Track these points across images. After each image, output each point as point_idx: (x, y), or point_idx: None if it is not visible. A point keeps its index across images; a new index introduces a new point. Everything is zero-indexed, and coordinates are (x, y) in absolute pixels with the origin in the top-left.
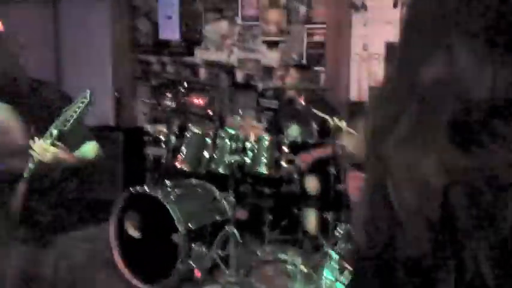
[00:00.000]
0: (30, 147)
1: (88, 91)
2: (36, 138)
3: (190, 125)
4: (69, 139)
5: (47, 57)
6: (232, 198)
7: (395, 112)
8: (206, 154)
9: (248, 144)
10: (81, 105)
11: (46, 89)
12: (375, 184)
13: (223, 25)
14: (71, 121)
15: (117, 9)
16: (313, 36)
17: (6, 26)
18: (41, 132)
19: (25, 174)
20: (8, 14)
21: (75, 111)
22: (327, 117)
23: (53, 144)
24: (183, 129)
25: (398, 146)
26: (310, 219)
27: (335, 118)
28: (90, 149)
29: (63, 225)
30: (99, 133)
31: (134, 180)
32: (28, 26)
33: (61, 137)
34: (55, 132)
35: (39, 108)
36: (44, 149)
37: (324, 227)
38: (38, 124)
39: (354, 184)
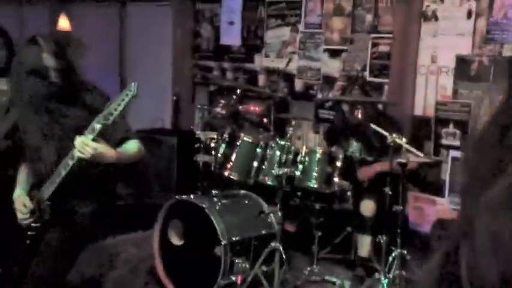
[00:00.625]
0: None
1: (133, 83)
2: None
3: (241, 133)
4: (112, 134)
5: (111, 57)
6: (279, 212)
7: (497, 163)
8: (255, 164)
9: (299, 157)
10: (125, 98)
11: (88, 94)
12: (450, 246)
13: (285, 32)
14: (115, 114)
15: (181, 13)
16: (378, 46)
17: (75, 26)
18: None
19: (63, 172)
20: (77, 15)
21: (119, 104)
22: (386, 133)
23: (94, 140)
24: (234, 137)
25: (492, 206)
26: (363, 240)
27: (395, 134)
28: (132, 146)
29: (108, 229)
30: (154, 135)
31: (187, 186)
32: (96, 27)
33: (103, 132)
34: (98, 126)
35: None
36: (85, 144)
37: (378, 250)
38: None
39: (414, 205)
